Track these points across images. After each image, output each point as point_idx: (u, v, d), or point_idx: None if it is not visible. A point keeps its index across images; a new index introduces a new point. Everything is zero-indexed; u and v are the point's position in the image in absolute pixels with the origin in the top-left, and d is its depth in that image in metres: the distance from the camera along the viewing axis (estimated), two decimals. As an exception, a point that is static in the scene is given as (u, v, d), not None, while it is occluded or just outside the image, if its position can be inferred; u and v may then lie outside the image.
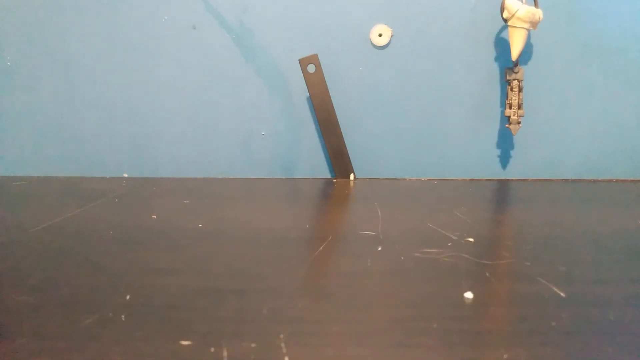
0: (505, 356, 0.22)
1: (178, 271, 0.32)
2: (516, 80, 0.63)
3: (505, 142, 0.68)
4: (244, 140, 0.69)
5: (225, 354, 0.22)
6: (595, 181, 0.67)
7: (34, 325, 0.25)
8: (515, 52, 0.61)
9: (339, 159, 0.65)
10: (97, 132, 0.69)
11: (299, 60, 0.63)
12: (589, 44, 0.65)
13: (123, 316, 0.26)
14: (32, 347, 0.23)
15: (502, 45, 0.65)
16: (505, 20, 0.61)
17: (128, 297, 0.28)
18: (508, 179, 0.68)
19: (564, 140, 0.68)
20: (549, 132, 0.68)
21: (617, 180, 0.68)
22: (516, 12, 0.59)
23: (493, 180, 0.68)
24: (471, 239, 0.38)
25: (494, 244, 0.38)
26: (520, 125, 0.64)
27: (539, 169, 0.69)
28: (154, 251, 0.36)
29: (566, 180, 0.67)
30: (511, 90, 0.64)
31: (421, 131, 0.68)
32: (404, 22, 0.65)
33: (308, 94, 0.66)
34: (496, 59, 0.66)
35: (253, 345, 0.23)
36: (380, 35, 0.65)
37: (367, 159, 0.69)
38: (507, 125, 0.64)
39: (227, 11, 0.66)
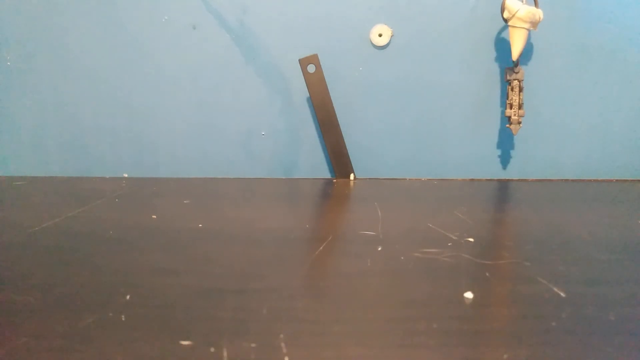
0: (505, 356, 0.22)
1: (178, 271, 0.32)
2: (516, 80, 0.63)
3: (505, 142, 0.68)
4: (243, 140, 0.69)
5: (225, 354, 0.22)
6: (595, 181, 0.67)
7: (34, 325, 0.25)
8: (515, 52, 0.61)
9: (339, 159, 0.65)
10: (97, 132, 0.69)
11: (299, 60, 0.63)
12: (589, 44, 0.65)
13: (123, 316, 0.26)
14: (32, 347, 0.23)
15: (502, 45, 0.65)
16: (506, 20, 0.61)
17: (128, 297, 0.28)
18: (508, 179, 0.68)
19: (564, 140, 0.68)
20: (549, 132, 0.68)
21: (617, 180, 0.68)
22: (517, 12, 0.59)
23: (493, 180, 0.68)
24: (471, 239, 0.38)
25: (494, 244, 0.38)
26: (521, 125, 0.64)
27: (539, 169, 0.69)
28: (154, 251, 0.36)
29: (566, 180, 0.67)
30: (511, 90, 0.64)
31: (421, 131, 0.68)
32: (404, 22, 0.65)
33: (308, 94, 0.66)
34: (496, 59, 0.66)
35: (253, 345, 0.23)
36: (380, 35, 0.65)
37: (367, 159, 0.69)
38: (507, 125, 0.64)
39: (227, 11, 0.66)
